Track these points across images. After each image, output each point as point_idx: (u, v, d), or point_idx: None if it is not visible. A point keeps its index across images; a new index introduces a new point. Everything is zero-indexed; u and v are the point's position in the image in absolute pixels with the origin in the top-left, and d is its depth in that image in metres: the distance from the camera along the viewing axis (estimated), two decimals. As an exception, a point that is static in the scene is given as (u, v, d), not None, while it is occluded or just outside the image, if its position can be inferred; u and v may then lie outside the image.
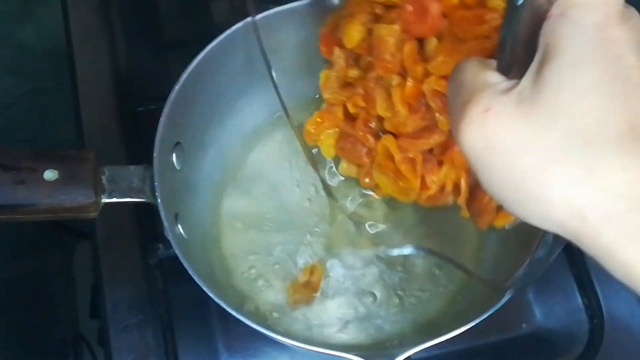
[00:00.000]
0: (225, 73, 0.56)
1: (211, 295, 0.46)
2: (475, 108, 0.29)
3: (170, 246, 0.47)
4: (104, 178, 0.47)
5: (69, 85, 0.65)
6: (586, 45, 0.28)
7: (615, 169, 0.26)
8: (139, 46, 0.68)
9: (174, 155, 0.53)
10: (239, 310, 0.46)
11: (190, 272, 0.46)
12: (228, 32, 0.53)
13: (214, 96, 0.56)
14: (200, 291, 0.46)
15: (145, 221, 0.58)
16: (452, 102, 0.32)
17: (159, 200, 0.48)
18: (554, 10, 0.29)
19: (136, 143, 0.61)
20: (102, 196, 0.47)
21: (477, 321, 0.46)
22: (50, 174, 0.45)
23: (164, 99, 0.51)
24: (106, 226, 0.59)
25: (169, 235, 0.47)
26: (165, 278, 0.56)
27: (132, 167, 0.49)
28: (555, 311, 0.58)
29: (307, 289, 0.56)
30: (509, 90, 0.29)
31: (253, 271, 0.57)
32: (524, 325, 0.59)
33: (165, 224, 0.48)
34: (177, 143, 0.53)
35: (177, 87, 0.51)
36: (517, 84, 0.29)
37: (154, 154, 0.49)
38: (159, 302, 0.56)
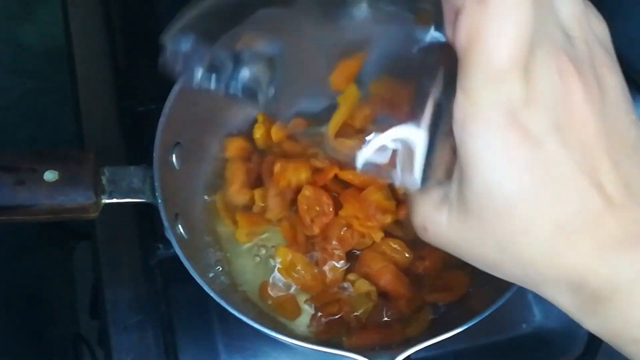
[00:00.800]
0: (225, 73, 0.56)
1: (211, 294, 0.46)
2: (416, 224, 0.32)
3: (170, 246, 0.47)
4: (104, 179, 0.47)
5: (69, 85, 0.65)
6: (496, 156, 0.26)
7: (547, 272, 0.28)
8: (139, 46, 0.68)
9: (173, 155, 0.53)
10: (240, 309, 0.46)
11: (191, 272, 0.46)
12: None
13: (213, 96, 0.56)
14: (200, 291, 0.46)
15: (145, 221, 0.58)
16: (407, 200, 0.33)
17: (159, 201, 0.48)
18: (457, 116, 0.27)
19: (136, 143, 0.60)
20: (102, 197, 0.47)
21: (476, 321, 0.46)
22: (50, 175, 0.45)
23: (164, 99, 0.51)
24: (106, 226, 0.59)
25: (169, 235, 0.47)
26: (165, 278, 0.56)
27: (132, 168, 0.49)
28: (555, 311, 0.57)
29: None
30: (440, 203, 0.30)
31: (254, 270, 0.57)
32: (524, 325, 0.59)
33: (166, 224, 0.48)
34: (177, 143, 0.53)
35: (177, 87, 0.51)
36: (447, 193, 0.29)
37: (154, 154, 0.49)
38: (159, 302, 0.56)
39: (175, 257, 0.47)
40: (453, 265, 0.55)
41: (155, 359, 0.56)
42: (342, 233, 0.54)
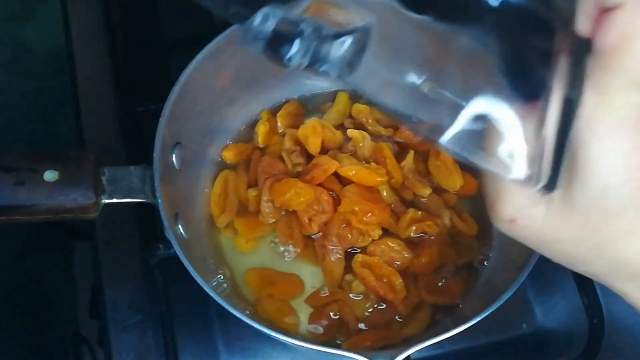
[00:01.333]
0: (225, 73, 0.56)
1: (212, 294, 0.46)
2: (502, 215, 0.29)
3: (170, 246, 0.47)
4: (104, 179, 0.47)
5: (69, 85, 0.65)
6: (621, 159, 0.25)
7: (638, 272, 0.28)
8: (139, 46, 0.68)
9: (173, 155, 0.53)
10: (239, 310, 0.46)
11: (191, 272, 0.46)
12: (228, 31, 0.53)
13: (213, 96, 0.56)
14: (200, 291, 0.46)
15: (145, 221, 0.58)
16: (486, 185, 0.30)
17: (159, 201, 0.48)
18: (583, 114, 0.25)
19: (136, 143, 0.61)
20: (102, 197, 0.47)
21: (476, 320, 0.46)
22: (50, 175, 0.45)
23: (164, 99, 0.51)
24: (106, 226, 0.59)
25: (169, 235, 0.47)
26: (165, 278, 0.56)
27: (132, 168, 0.49)
28: (555, 311, 0.58)
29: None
30: (538, 198, 0.28)
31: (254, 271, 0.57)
32: (524, 325, 0.59)
33: (166, 224, 0.48)
34: (177, 143, 0.53)
35: (177, 87, 0.51)
36: (541, 192, 0.28)
37: (154, 154, 0.49)
38: (159, 302, 0.56)
39: (175, 257, 0.47)
40: (450, 265, 0.55)
41: (155, 359, 0.55)
42: (340, 230, 0.54)
